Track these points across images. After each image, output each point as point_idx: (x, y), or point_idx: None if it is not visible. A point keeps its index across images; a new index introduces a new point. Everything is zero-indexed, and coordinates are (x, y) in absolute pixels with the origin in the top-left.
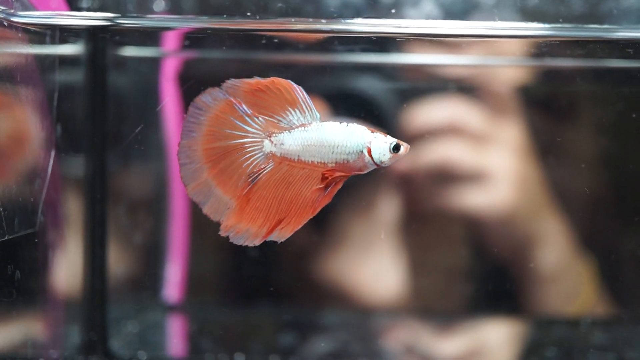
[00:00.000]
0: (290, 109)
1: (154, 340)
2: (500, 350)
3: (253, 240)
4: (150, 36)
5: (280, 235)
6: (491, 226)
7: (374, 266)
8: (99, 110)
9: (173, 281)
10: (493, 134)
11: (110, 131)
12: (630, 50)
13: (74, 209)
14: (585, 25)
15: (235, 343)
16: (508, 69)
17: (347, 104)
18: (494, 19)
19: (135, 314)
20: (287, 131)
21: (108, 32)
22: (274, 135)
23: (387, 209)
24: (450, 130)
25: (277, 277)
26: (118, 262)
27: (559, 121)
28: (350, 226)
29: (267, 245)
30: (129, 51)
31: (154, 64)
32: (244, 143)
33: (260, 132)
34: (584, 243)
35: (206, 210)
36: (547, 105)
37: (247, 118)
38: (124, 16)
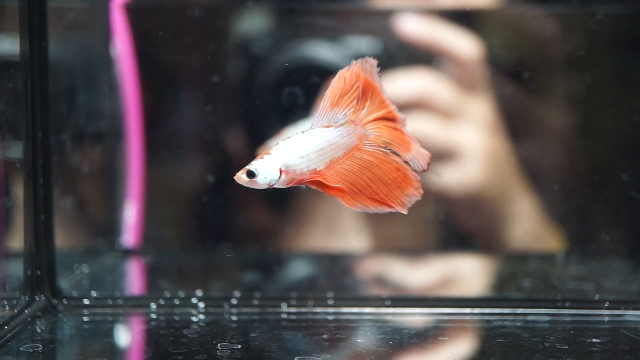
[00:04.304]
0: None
1: (107, 281)
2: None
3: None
4: None
5: None
6: (461, 203)
7: (339, 245)
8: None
9: (129, 226)
10: (462, 109)
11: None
12: None
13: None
14: None
15: (191, 283)
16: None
17: (302, 75)
18: None
19: (89, 258)
20: None
21: None
22: None
23: None
24: (418, 105)
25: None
26: (66, 205)
27: (529, 95)
28: (315, 206)
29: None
30: None
31: None
32: None
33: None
34: (554, 217)
35: None
36: (516, 78)
37: None
38: None
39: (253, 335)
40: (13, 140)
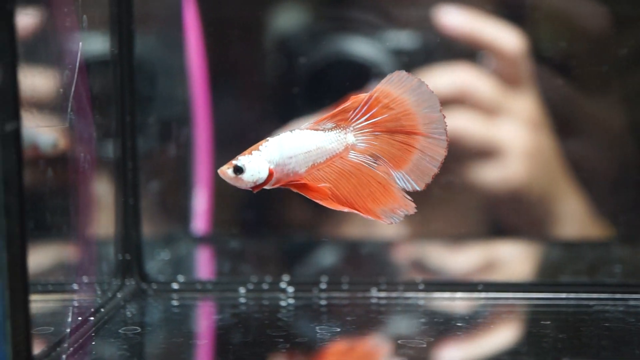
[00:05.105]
0: None
1: (190, 266)
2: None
3: None
4: None
5: None
6: (504, 201)
7: (381, 232)
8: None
9: (200, 213)
10: (505, 105)
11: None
12: None
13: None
14: None
15: (272, 268)
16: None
17: (339, 70)
18: None
19: (166, 244)
20: None
21: None
22: None
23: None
24: (459, 101)
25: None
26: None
27: (578, 89)
28: None
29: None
30: None
31: None
32: None
33: None
34: (602, 214)
35: None
36: (564, 72)
37: None
38: None
39: (349, 319)
40: (104, 124)
